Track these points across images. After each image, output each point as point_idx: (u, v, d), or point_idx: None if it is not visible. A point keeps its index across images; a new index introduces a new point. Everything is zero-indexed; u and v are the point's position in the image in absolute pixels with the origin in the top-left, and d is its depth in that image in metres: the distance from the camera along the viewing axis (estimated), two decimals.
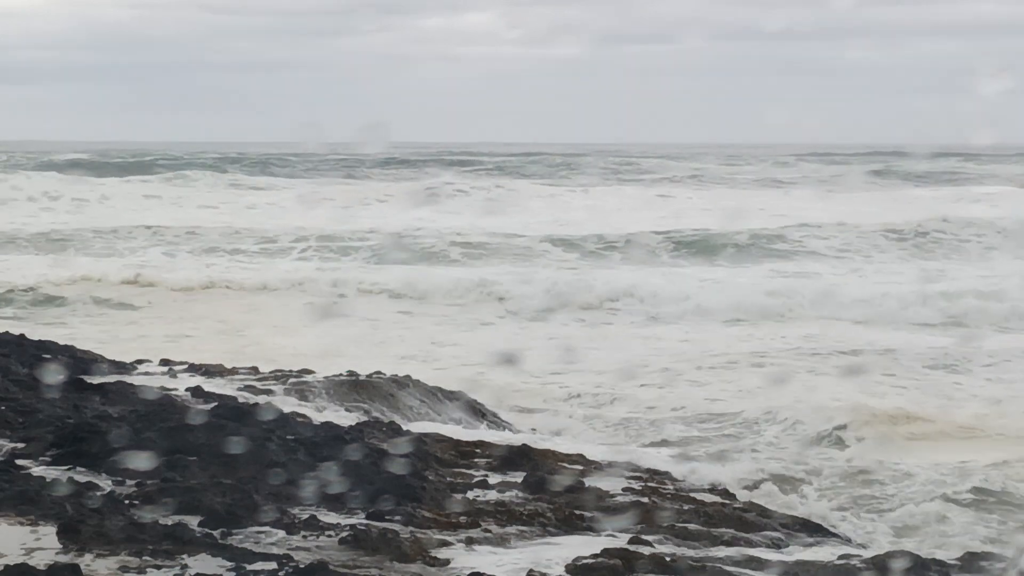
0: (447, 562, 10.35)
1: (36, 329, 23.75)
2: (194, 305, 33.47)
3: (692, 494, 13.49)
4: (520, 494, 12.67)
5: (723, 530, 11.97)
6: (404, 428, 15.23)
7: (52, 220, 52.49)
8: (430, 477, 12.76)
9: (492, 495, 12.59)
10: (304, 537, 10.61)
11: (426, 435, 14.89)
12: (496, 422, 17.06)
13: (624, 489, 13.17)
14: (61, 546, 9.84)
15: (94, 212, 55.75)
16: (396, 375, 18.25)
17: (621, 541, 11.16)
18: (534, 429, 18.01)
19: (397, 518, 11.23)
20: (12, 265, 38.60)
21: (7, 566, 9.21)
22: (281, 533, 10.63)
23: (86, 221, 51.76)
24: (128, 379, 16.64)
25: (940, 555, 11.93)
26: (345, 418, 15.38)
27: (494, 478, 13.25)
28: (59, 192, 60.05)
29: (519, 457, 14.04)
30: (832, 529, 13.39)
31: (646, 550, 10.79)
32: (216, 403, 14.71)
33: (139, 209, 56.48)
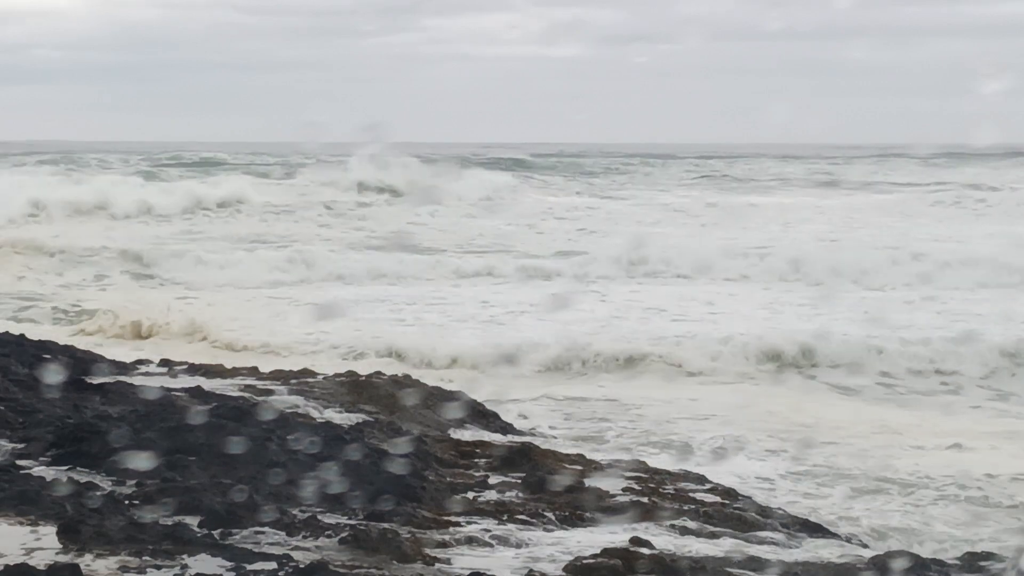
0: (447, 562, 10.34)
1: None
2: None
3: (692, 494, 13.48)
4: (520, 494, 12.66)
5: (723, 530, 11.97)
6: (404, 428, 15.22)
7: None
8: (430, 477, 12.75)
9: (492, 495, 12.58)
10: (304, 537, 10.61)
11: (426, 435, 14.88)
12: (496, 422, 17.02)
13: (624, 489, 13.16)
14: (61, 546, 9.83)
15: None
16: (396, 375, 18.23)
17: (621, 541, 11.15)
18: (533, 430, 17.99)
19: (397, 518, 11.22)
20: None
21: (7, 566, 9.20)
22: (281, 533, 10.62)
23: None
24: (128, 379, 16.62)
25: (940, 555, 11.93)
26: (345, 418, 15.36)
27: (494, 478, 13.25)
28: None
29: (519, 457, 14.03)
30: (832, 529, 13.38)
31: (646, 550, 10.79)
32: (216, 403, 14.70)
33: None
